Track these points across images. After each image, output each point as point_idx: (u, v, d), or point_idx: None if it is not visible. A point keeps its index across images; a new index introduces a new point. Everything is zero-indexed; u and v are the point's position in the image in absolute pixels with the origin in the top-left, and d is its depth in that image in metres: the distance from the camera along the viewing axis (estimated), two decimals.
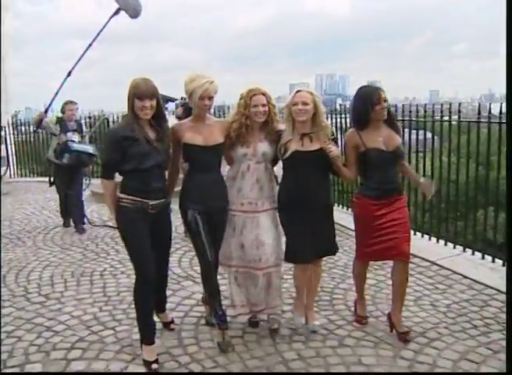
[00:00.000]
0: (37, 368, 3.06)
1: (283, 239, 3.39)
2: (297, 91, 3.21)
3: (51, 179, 6.40)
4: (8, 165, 11.10)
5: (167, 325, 3.52)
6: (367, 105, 3.17)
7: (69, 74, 5.25)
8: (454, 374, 2.90)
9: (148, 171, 2.99)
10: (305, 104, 3.13)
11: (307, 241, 3.27)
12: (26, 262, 5.00)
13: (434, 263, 4.66)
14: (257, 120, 3.22)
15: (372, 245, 3.30)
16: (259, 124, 3.26)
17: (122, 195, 3.02)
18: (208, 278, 3.24)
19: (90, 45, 5.09)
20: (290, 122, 3.21)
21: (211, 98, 3.11)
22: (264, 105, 3.20)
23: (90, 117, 10.73)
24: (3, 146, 11.07)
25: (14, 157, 11.39)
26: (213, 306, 3.23)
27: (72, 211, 6.37)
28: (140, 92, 2.91)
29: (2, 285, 4.39)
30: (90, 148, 6.12)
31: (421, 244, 5.07)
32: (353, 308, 3.69)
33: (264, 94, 3.21)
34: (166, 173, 3.23)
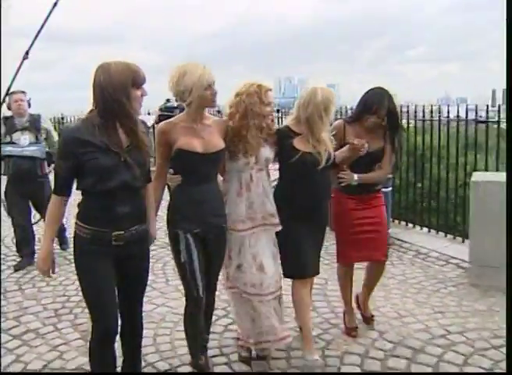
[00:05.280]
0: None
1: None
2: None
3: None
4: None
5: None
6: (363, 111, 3.05)
7: (26, 53, 4.55)
8: (452, 374, 2.81)
9: (112, 192, 2.19)
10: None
11: (314, 253, 2.97)
12: None
13: None
14: (268, 123, 2.69)
15: (351, 245, 3.16)
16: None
17: (78, 221, 2.27)
18: (192, 319, 2.66)
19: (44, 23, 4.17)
20: (309, 123, 2.76)
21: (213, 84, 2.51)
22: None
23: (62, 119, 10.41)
24: None
25: None
26: (194, 352, 2.71)
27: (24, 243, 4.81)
28: (141, 77, 2.19)
29: None
30: (35, 151, 4.52)
31: None
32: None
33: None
34: (143, 191, 2.40)
